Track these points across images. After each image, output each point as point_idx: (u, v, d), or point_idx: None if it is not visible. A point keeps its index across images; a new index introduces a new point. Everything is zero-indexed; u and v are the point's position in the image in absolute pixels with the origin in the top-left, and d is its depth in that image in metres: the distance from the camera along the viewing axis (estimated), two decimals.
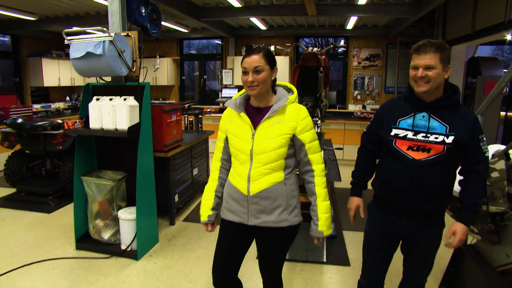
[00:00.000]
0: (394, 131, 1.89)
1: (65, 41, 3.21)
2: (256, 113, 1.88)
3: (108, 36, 3.05)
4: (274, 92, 1.90)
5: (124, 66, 3.24)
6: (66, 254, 3.49)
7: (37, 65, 7.68)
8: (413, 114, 1.86)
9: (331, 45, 4.26)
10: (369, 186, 2.13)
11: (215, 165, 2.02)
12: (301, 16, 5.91)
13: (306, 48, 4.17)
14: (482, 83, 6.05)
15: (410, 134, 1.84)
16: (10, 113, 6.66)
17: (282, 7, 5.54)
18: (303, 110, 1.84)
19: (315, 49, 4.09)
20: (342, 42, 8.04)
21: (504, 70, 5.91)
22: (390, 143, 1.90)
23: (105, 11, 5.95)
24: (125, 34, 3.34)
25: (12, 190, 5.29)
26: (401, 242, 2.08)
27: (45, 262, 3.33)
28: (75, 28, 3.21)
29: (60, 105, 8.51)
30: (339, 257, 3.39)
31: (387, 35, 7.28)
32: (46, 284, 2.97)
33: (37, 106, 7.78)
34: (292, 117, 1.80)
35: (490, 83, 5.87)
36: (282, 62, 7.57)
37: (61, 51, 8.24)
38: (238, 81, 7.87)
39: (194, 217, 4.42)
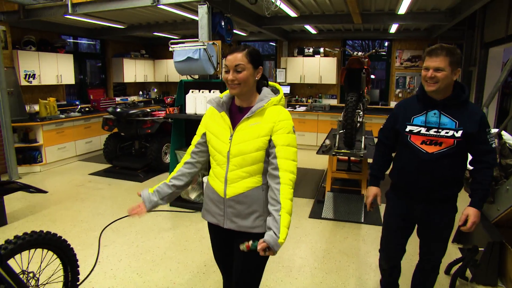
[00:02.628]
0: (408, 128, 2.06)
1: (170, 48, 4.33)
2: (238, 113, 1.80)
3: (203, 45, 4.15)
4: (260, 92, 1.81)
5: (212, 67, 4.32)
6: (164, 208, 4.65)
7: (119, 64, 9.11)
8: (425, 111, 2.03)
9: (373, 50, 5.09)
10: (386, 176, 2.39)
11: (184, 157, 1.97)
12: (348, 24, 6.76)
13: (351, 53, 5.05)
14: None
15: (423, 130, 2.01)
16: (101, 104, 8.11)
17: (332, 16, 6.44)
18: (284, 113, 1.73)
19: (360, 53, 4.97)
20: (386, 43, 8.75)
21: None
22: (406, 138, 2.07)
23: (181, 19, 7.23)
24: (212, 43, 4.41)
25: (108, 165, 6.62)
26: (417, 226, 2.25)
27: (149, 212, 4.49)
28: (178, 40, 4.33)
29: (135, 98, 9.92)
30: (374, 220, 4.27)
31: (428, 38, 7.92)
32: (156, 224, 4.14)
33: (117, 99, 9.20)
34: (271, 118, 1.70)
35: None
36: (330, 63, 8.47)
37: (137, 52, 9.65)
38: (291, 79, 8.89)
39: None
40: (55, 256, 2.27)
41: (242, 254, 1.74)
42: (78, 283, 2.42)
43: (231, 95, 1.83)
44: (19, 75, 6.40)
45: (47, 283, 2.25)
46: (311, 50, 8.73)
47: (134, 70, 9.42)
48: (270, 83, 1.88)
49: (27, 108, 6.65)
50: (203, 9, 4.53)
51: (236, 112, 1.81)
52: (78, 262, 2.40)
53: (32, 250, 2.10)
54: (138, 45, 9.94)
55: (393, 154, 2.31)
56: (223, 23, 4.91)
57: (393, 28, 7.38)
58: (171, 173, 1.96)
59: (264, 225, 1.72)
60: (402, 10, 5.65)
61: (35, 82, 6.72)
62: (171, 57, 4.95)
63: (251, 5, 5.10)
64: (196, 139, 1.92)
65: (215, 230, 1.92)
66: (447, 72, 1.89)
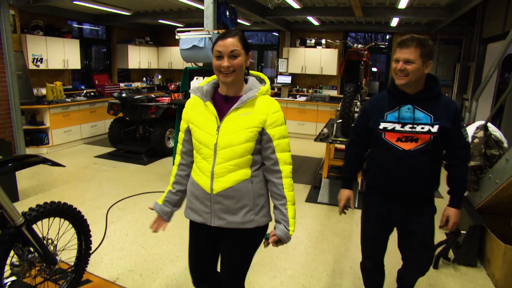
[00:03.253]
0: (382, 125, 1.95)
1: (176, 36, 4.50)
2: (223, 102, 1.70)
3: (208, 34, 4.32)
4: (246, 81, 1.73)
5: None
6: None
7: (124, 50, 9.26)
8: (398, 107, 1.93)
9: (373, 43, 5.26)
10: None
11: (176, 158, 1.89)
12: (350, 16, 6.91)
13: (352, 45, 5.22)
14: None
15: (397, 127, 1.91)
16: (105, 89, 8.28)
17: (334, 8, 6.60)
18: (274, 103, 1.69)
19: (359, 45, 5.14)
20: (387, 36, 8.89)
21: None
22: (380, 136, 1.96)
23: (186, 8, 7.37)
24: (217, 32, 4.57)
25: (112, 149, 6.83)
26: (398, 236, 2.14)
27: (154, 193, 4.74)
28: (184, 29, 4.50)
29: (139, 84, 10.09)
30: None
31: (428, 32, 8.05)
32: None
33: (122, 85, 9.35)
34: (262, 110, 1.64)
35: None
36: (332, 54, 8.61)
37: (142, 39, 9.79)
38: (292, 70, 9.05)
39: None
40: (70, 225, 2.49)
41: (229, 250, 1.78)
42: (90, 251, 2.65)
43: (213, 84, 1.76)
44: (27, 59, 6.57)
45: (63, 249, 2.47)
46: (313, 41, 8.86)
47: (138, 57, 9.57)
48: (252, 72, 1.80)
49: (35, 91, 6.84)
50: None
51: (221, 102, 1.70)
52: (90, 233, 2.62)
53: (52, 219, 2.32)
54: (143, 32, 10.07)
55: (368, 152, 2.22)
56: (227, 13, 5.06)
57: (394, 21, 7.52)
58: (171, 177, 1.90)
59: (256, 220, 1.70)
60: (403, 4, 5.80)
61: (42, 66, 6.89)
62: (175, 45, 5.11)
63: None
64: (181, 136, 1.82)
65: (199, 230, 1.81)
66: (417, 64, 1.80)
